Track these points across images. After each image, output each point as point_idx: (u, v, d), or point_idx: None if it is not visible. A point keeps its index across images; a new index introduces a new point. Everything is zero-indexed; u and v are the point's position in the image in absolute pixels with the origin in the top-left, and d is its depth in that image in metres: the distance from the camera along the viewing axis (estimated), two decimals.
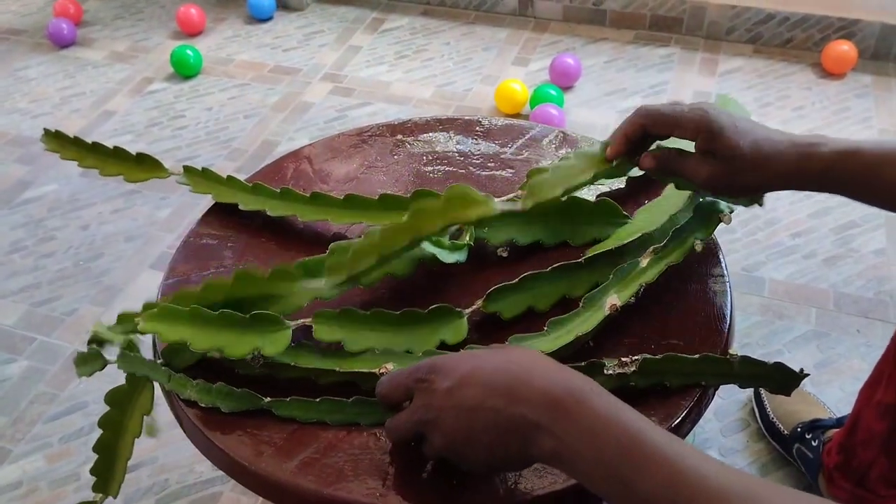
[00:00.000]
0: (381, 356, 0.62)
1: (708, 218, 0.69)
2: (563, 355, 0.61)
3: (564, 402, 0.47)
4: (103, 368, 0.66)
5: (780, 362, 0.61)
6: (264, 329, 0.61)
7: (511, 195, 0.69)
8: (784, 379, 0.62)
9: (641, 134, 0.67)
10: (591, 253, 0.70)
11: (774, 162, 0.63)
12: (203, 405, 0.61)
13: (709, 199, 0.69)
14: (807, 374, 0.62)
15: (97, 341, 0.66)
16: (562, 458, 0.47)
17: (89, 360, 0.67)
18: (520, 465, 0.51)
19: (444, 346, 0.64)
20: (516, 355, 0.52)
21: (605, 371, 0.60)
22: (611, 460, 0.45)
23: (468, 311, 0.65)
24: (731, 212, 0.65)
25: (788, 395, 0.63)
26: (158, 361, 0.64)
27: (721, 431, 1.21)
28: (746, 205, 0.70)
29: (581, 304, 0.64)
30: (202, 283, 0.63)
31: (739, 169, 0.64)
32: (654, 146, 0.69)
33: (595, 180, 0.67)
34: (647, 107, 0.66)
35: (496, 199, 0.63)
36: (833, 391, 1.25)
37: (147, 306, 0.62)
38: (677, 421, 0.60)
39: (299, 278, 0.64)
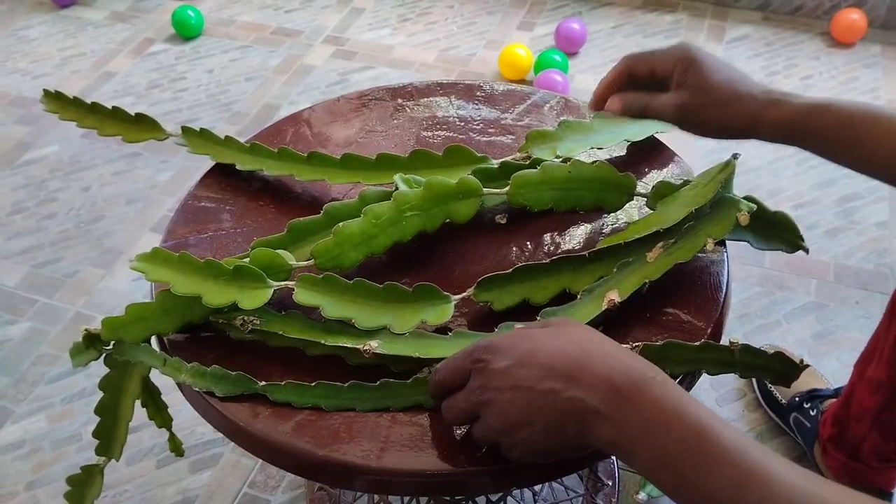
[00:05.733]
0: (366, 334, 0.60)
1: (725, 215, 0.64)
2: None
3: (625, 390, 0.45)
4: (98, 358, 0.67)
5: (780, 352, 0.60)
6: (246, 284, 0.61)
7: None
8: (784, 369, 0.61)
9: (625, 79, 0.70)
10: (603, 245, 0.66)
11: (745, 102, 0.65)
12: (197, 389, 0.61)
13: (728, 195, 0.64)
14: (807, 365, 0.62)
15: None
16: (621, 448, 0.45)
17: (84, 351, 0.68)
18: (576, 450, 0.49)
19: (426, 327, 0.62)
20: (577, 336, 0.50)
21: None
22: (673, 457, 0.43)
23: (457, 297, 0.62)
24: (750, 211, 0.62)
25: (788, 385, 0.61)
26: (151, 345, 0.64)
27: (717, 401, 1.22)
28: (789, 251, 0.66)
29: (579, 297, 0.62)
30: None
31: (711, 102, 0.65)
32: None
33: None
34: (631, 53, 0.70)
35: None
36: (830, 362, 1.26)
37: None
38: None
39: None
